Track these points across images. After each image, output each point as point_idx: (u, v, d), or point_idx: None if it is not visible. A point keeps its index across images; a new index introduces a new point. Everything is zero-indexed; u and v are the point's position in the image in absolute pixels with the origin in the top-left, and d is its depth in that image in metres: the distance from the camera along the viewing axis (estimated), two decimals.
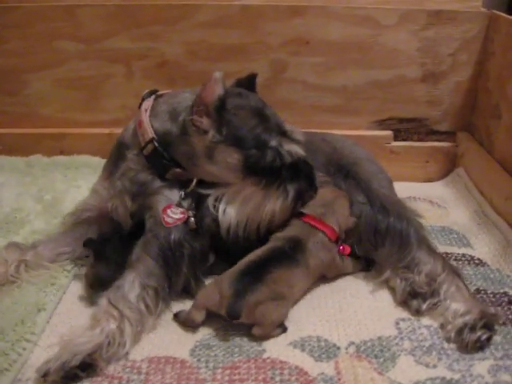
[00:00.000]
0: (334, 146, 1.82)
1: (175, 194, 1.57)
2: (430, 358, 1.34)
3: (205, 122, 1.48)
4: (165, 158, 1.55)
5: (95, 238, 1.63)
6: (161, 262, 1.47)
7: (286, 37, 2.22)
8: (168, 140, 1.55)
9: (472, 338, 1.35)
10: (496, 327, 1.40)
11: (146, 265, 1.46)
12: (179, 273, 1.50)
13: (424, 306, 1.48)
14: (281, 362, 1.33)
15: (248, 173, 1.50)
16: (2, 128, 2.43)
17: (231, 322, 1.38)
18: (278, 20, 2.20)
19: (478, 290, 1.59)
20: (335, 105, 2.33)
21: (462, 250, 1.80)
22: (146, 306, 1.41)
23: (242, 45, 2.23)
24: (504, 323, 1.44)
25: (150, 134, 1.54)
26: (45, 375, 1.23)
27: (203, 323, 1.44)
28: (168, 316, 1.48)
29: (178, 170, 1.56)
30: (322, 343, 1.39)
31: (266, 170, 1.50)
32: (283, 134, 1.53)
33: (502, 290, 1.58)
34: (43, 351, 1.35)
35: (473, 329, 1.36)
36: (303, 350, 1.37)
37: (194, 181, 1.56)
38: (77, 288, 1.61)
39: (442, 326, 1.44)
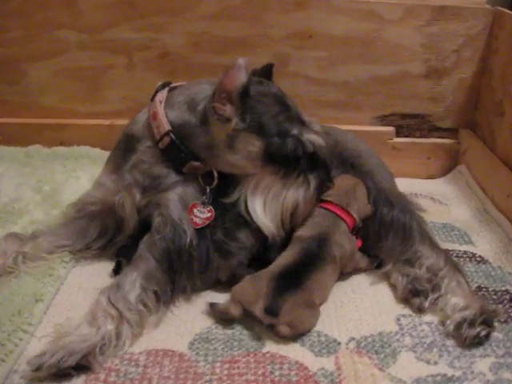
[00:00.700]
0: (336, 139, 1.80)
1: (188, 191, 1.54)
2: (431, 355, 1.33)
3: (228, 110, 1.44)
4: (182, 151, 1.51)
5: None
6: (165, 266, 1.44)
7: (289, 30, 2.21)
8: (185, 131, 1.51)
9: (471, 334, 1.34)
10: (495, 324, 1.39)
11: (148, 266, 1.43)
12: (184, 278, 1.47)
13: (426, 304, 1.47)
14: (280, 356, 1.32)
15: (267, 162, 1.48)
16: (2, 118, 2.41)
17: (264, 319, 1.36)
18: (282, 13, 2.18)
19: (479, 288, 1.58)
20: (337, 100, 2.31)
21: (464, 247, 1.79)
22: (146, 307, 1.39)
23: (245, 37, 2.21)
24: (505, 321, 1.44)
25: (166, 126, 1.50)
26: (37, 369, 1.20)
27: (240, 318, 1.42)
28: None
29: (195, 163, 1.53)
30: (323, 338, 1.38)
31: (287, 159, 1.48)
32: (303, 123, 1.51)
33: (503, 288, 1.58)
34: (40, 342, 1.33)
35: (472, 324, 1.36)
36: (303, 345, 1.36)
37: (215, 174, 1.53)
38: (75, 279, 1.60)
39: (441, 320, 1.43)
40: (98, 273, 1.62)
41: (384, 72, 2.26)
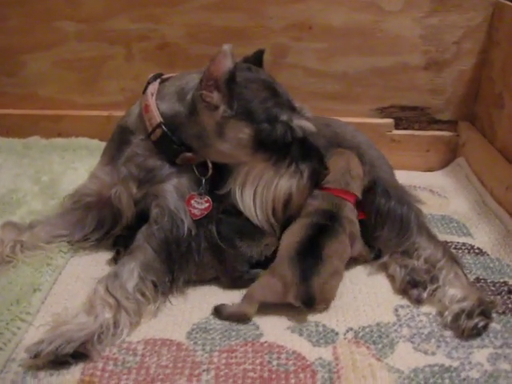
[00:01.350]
0: (335, 131, 1.80)
1: (183, 182, 1.54)
2: (429, 346, 1.33)
3: (215, 97, 1.43)
4: (174, 143, 1.51)
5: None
6: (163, 256, 1.44)
7: (289, 21, 2.20)
8: (176, 122, 1.51)
9: (469, 325, 1.34)
10: (493, 315, 1.40)
11: (146, 256, 1.43)
12: (184, 268, 1.47)
13: (424, 295, 1.47)
14: (278, 346, 1.32)
15: (258, 149, 1.48)
16: (0, 109, 2.41)
17: (304, 308, 1.38)
18: (281, 4, 2.17)
19: (477, 279, 1.58)
20: (336, 91, 2.31)
21: (462, 239, 1.79)
22: (144, 296, 1.39)
23: (244, 28, 2.20)
24: (504, 312, 1.44)
25: (158, 118, 1.50)
26: (35, 357, 1.21)
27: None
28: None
29: (188, 154, 1.53)
30: (320, 328, 1.38)
31: (277, 145, 1.47)
32: (293, 109, 1.51)
33: (501, 280, 1.57)
34: (38, 331, 1.33)
35: (470, 315, 1.36)
36: (301, 335, 1.36)
37: (209, 165, 1.53)
38: (73, 269, 1.60)
39: (439, 312, 1.43)
40: (96, 263, 1.63)
41: (383, 64, 2.25)
